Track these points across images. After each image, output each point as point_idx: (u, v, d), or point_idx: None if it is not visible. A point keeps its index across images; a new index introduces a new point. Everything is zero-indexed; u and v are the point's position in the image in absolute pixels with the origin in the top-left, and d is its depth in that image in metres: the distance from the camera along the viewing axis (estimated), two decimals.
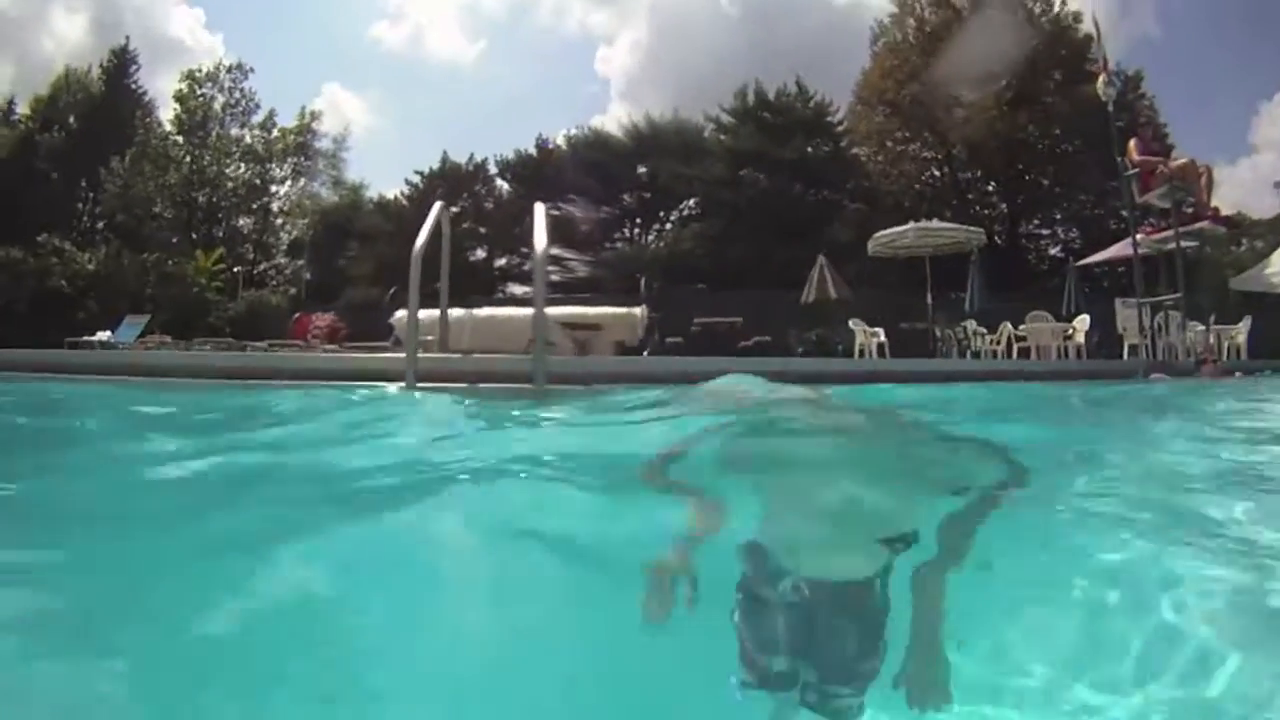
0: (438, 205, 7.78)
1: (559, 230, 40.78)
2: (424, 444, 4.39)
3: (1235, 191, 47.21)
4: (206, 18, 59.14)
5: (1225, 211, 17.92)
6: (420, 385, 6.27)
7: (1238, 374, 13.02)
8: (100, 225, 40.72)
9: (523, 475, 3.22)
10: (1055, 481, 2.70)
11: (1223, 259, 30.83)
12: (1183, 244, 15.65)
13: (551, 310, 11.92)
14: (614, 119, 48.89)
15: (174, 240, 38.49)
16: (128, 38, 46.14)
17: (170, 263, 30.38)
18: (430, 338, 9.11)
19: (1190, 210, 16.09)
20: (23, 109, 43.49)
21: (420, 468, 3.54)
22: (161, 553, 2.26)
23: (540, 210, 7.74)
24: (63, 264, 27.41)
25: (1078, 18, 39.94)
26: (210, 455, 3.88)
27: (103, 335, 20.16)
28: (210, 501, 2.82)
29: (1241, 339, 18.29)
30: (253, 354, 12.83)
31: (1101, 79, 17.68)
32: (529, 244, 7.60)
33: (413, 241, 6.97)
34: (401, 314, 7.72)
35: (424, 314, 8.65)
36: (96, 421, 5.76)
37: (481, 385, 6.70)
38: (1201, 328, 16.93)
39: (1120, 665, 1.79)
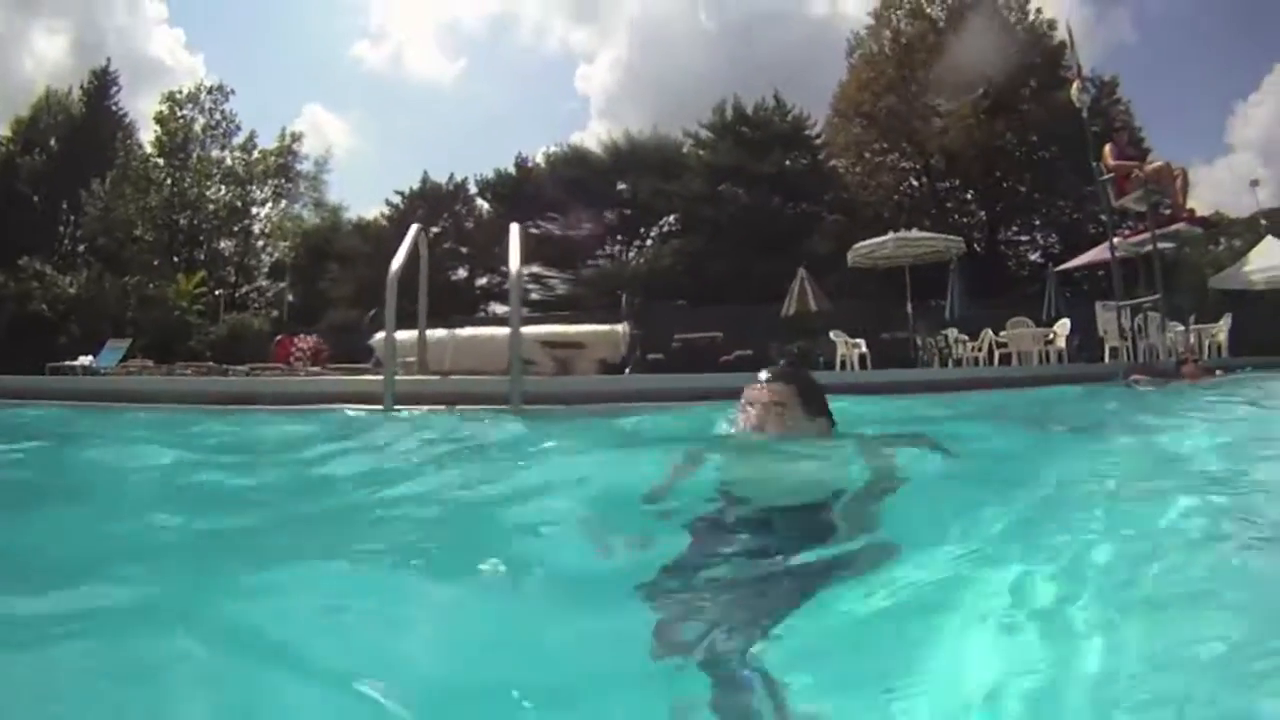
0: (414, 228, 7.81)
1: (540, 248, 40.87)
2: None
3: (1213, 192, 47.78)
4: (187, 38, 59.18)
5: (1203, 212, 18.06)
6: (399, 407, 6.28)
7: (1219, 372, 13.07)
8: (81, 248, 40.63)
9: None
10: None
11: (1201, 259, 30.99)
12: (1160, 245, 15.75)
13: (533, 329, 11.95)
14: (594, 136, 49.07)
15: (155, 263, 38.40)
16: (109, 59, 46.25)
17: (151, 286, 30.34)
18: (411, 359, 9.13)
19: (1167, 213, 16.18)
20: (3, 130, 43.37)
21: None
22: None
23: (515, 231, 7.76)
24: (43, 288, 27.35)
25: (1052, 25, 40.26)
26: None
27: (84, 360, 20.05)
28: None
29: (1222, 337, 18.47)
30: (234, 379, 12.79)
31: (1075, 85, 17.80)
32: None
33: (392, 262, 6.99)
34: (381, 336, 7.73)
35: (404, 335, 8.69)
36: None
37: (459, 407, 6.71)
38: (1182, 328, 17.06)
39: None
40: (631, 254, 44.61)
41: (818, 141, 44.45)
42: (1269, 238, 22.69)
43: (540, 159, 46.40)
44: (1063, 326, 18.35)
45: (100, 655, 1.71)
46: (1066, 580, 2.08)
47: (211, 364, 19.76)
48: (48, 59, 49.69)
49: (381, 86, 63.11)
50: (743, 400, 3.21)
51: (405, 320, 8.51)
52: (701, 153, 44.10)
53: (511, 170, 45.89)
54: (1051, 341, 18.06)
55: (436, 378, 8.29)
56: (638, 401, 7.10)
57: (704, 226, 40.84)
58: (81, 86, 44.76)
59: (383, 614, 1.99)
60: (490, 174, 46.06)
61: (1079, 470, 3.84)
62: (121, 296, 28.72)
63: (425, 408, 6.61)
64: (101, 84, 45.02)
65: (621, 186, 44.16)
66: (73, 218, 41.44)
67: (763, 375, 3.28)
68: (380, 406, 6.37)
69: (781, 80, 44.78)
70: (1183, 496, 2.84)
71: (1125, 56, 53.14)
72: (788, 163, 42.12)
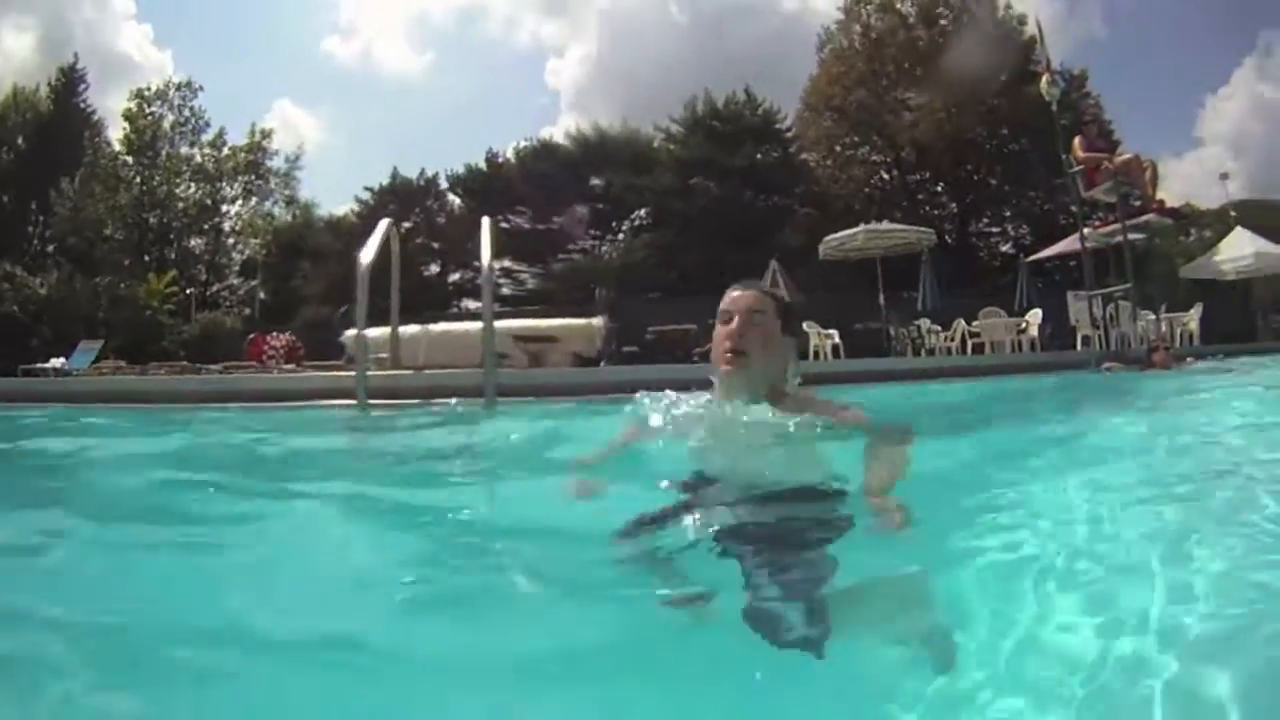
0: (385, 221, 7.77)
1: (512, 243, 40.83)
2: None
3: (1183, 184, 48.14)
4: (155, 33, 58.63)
5: (1172, 203, 18.23)
6: (371, 403, 6.25)
7: (1189, 359, 13.22)
8: (51, 249, 40.16)
9: None
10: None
11: (1172, 249, 31.30)
12: (1130, 236, 15.91)
13: (507, 323, 11.93)
14: (564, 131, 48.70)
15: (126, 263, 38.07)
16: (76, 55, 45.57)
17: (122, 286, 30.07)
18: (384, 355, 9.10)
19: (1137, 204, 16.35)
20: None
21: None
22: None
23: (486, 224, 7.75)
24: (14, 289, 27.04)
25: (1022, 20, 40.37)
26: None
27: (56, 362, 19.81)
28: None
29: (1194, 325, 18.64)
30: (208, 377, 12.73)
31: (1045, 79, 17.95)
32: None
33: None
34: (353, 332, 7.69)
35: (377, 332, 8.67)
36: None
37: (434, 401, 6.70)
38: (1153, 317, 17.20)
39: None
40: (604, 248, 44.45)
41: (789, 135, 44.47)
42: (1239, 228, 22.96)
43: (511, 154, 46.23)
44: (1035, 316, 18.48)
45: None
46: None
47: (185, 364, 19.62)
48: (15, 56, 48.76)
49: (351, 81, 62.87)
50: (720, 310, 3.17)
51: (377, 317, 8.50)
52: (672, 147, 44.05)
53: (482, 165, 45.67)
54: (1024, 331, 18.18)
55: (410, 372, 8.28)
56: (612, 393, 7.11)
57: (675, 220, 40.77)
58: (49, 84, 44.16)
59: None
60: (461, 169, 45.91)
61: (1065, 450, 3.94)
62: (93, 297, 28.46)
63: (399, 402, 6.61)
64: (69, 81, 44.43)
65: (594, 181, 44.04)
66: (42, 218, 40.94)
67: (735, 286, 3.26)
68: (354, 402, 6.33)
69: (752, 74, 44.83)
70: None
71: (1095, 51, 53.68)
72: (759, 156, 42.13)
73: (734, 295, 3.17)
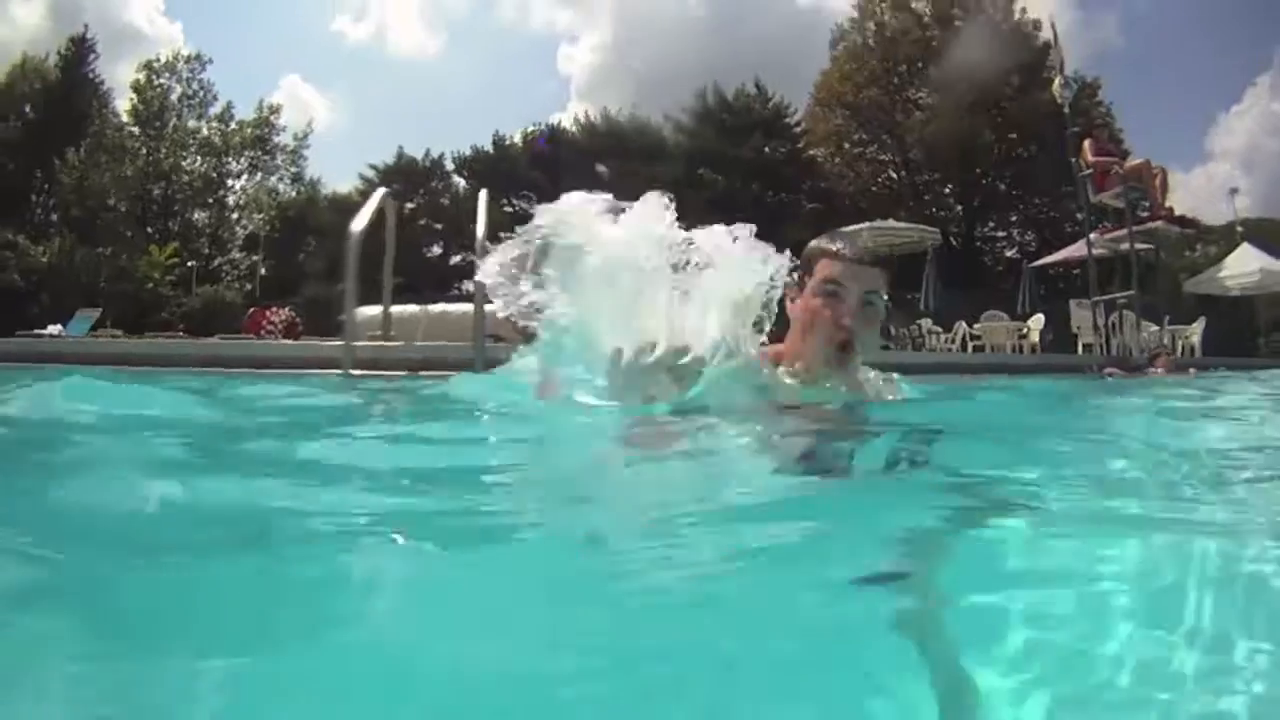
0: (380, 191, 7.67)
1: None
2: None
3: (1190, 199, 48.20)
4: (166, 5, 58.25)
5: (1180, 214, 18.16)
6: (354, 373, 6.14)
7: (1192, 370, 13.11)
8: (54, 218, 39.99)
9: None
10: None
11: (1177, 264, 31.18)
12: (1137, 245, 15.86)
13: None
14: (573, 117, 48.50)
15: (128, 234, 37.99)
16: (86, 25, 45.05)
17: (124, 257, 30.07)
18: (380, 333, 9.04)
19: (1145, 215, 16.33)
20: None
21: None
22: None
23: (484, 197, 7.67)
24: (16, 257, 27.04)
25: (1037, 25, 40.18)
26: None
27: (54, 329, 19.75)
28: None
29: (1196, 339, 18.49)
30: (199, 341, 12.68)
31: (1058, 80, 17.93)
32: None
33: (366, 236, 6.82)
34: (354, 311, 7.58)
35: (376, 311, 8.60)
36: None
37: (423, 373, 6.61)
38: (1156, 328, 17.11)
39: None
40: None
41: (798, 130, 44.39)
42: (1244, 245, 22.82)
43: (518, 138, 46.09)
44: (1037, 322, 18.40)
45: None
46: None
47: (182, 335, 19.60)
48: (25, 25, 48.14)
49: (362, 61, 62.82)
50: (826, 279, 2.55)
51: (377, 295, 8.44)
52: (681, 138, 43.94)
53: (489, 148, 45.55)
54: (1025, 336, 18.10)
55: (399, 343, 8.17)
56: None
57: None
58: (59, 52, 43.79)
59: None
60: (468, 151, 45.81)
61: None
62: (94, 267, 28.46)
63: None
64: (79, 51, 43.90)
65: (600, 169, 43.98)
66: (46, 186, 40.74)
67: (847, 249, 2.57)
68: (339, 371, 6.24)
69: (764, 67, 44.71)
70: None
71: (1110, 60, 53.49)
72: (767, 149, 42.09)
73: (853, 267, 2.55)
